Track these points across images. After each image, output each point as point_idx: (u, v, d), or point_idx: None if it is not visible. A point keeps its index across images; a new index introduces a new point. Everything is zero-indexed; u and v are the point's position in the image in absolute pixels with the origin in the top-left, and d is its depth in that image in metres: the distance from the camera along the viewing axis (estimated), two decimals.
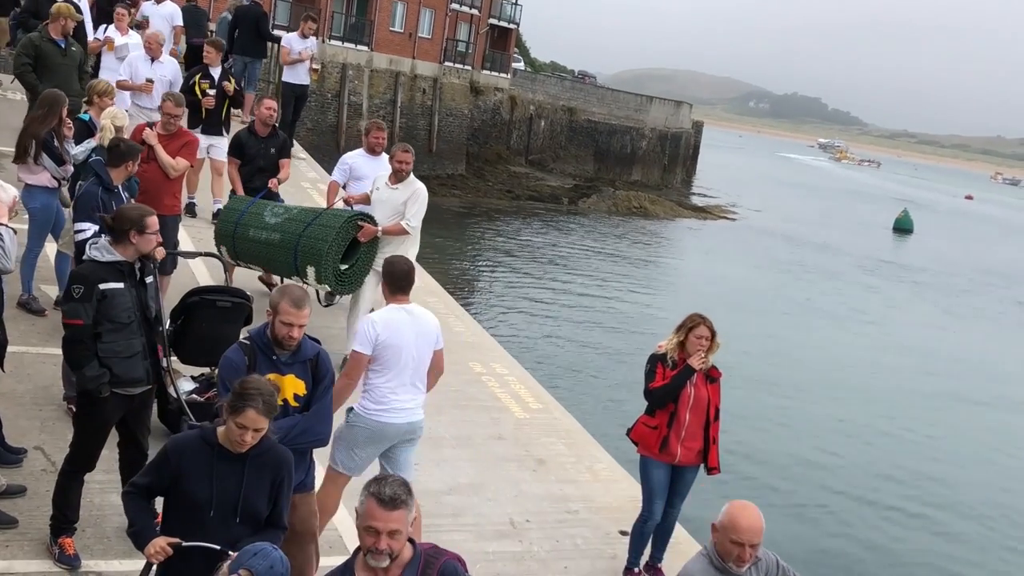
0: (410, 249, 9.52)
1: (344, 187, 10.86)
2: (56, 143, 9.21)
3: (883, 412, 22.26)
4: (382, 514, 3.70)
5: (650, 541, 7.61)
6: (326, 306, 10.64)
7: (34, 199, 9.26)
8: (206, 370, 8.33)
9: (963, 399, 24.57)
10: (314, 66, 17.38)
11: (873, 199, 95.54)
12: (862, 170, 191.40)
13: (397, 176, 9.53)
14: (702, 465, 7.48)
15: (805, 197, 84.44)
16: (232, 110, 13.83)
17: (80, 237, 7.64)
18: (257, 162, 10.98)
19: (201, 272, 11.49)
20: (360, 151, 11.02)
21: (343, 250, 9.46)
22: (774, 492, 16.23)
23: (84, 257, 6.28)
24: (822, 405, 21.92)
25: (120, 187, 7.99)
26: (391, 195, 9.52)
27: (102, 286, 6.06)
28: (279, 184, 11.04)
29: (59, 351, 6.54)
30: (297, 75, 17.32)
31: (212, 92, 13.19)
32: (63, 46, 12.13)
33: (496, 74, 53.85)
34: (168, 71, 13.58)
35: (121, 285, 6.15)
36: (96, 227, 7.45)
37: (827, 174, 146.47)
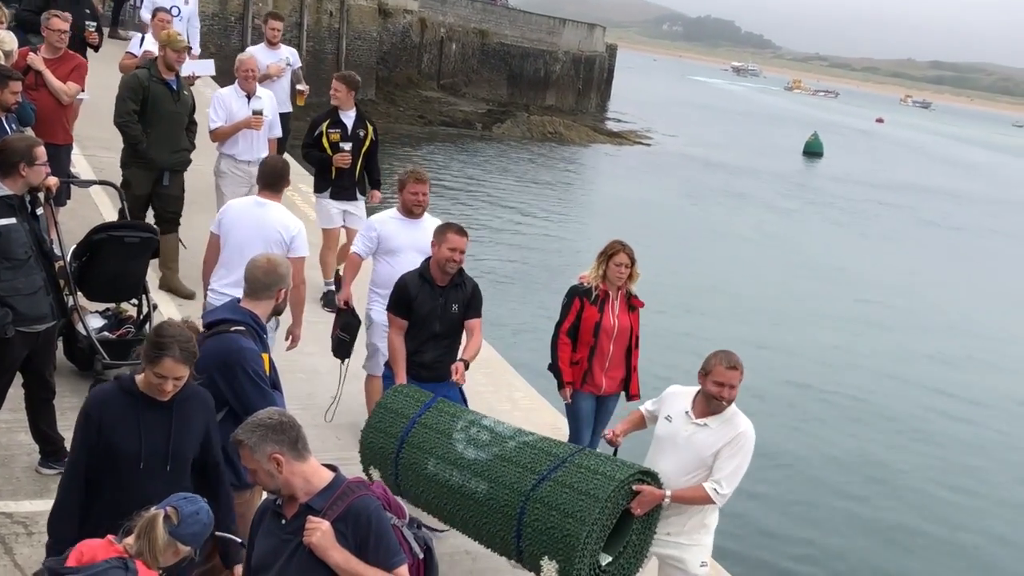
0: (709, 518, 5.88)
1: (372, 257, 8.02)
2: None
3: (795, 332, 22.68)
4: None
5: None
6: None
7: None
8: (111, 305, 8.16)
9: (874, 317, 25.10)
10: (300, 88, 12.68)
11: (784, 122, 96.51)
12: (788, 96, 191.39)
13: (710, 403, 5.69)
14: (623, 393, 7.59)
15: (718, 121, 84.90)
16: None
17: None
18: (432, 326, 6.88)
19: (105, 203, 11.18)
20: (392, 212, 7.97)
21: (609, 531, 5.58)
22: None
23: None
24: (736, 327, 22.21)
25: (4, 117, 7.62)
26: (694, 435, 5.71)
27: None
28: (466, 366, 6.85)
29: None
30: (271, 100, 11.53)
31: (347, 147, 10.00)
32: (175, 88, 9.58)
33: None
34: (267, 107, 10.43)
35: (14, 220, 5.94)
36: None
37: (741, 98, 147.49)
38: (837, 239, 36.38)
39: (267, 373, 5.11)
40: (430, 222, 7.73)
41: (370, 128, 10.28)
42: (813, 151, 66.63)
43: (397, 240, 7.73)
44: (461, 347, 7.02)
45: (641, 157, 51.20)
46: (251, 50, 12.37)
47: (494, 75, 59.88)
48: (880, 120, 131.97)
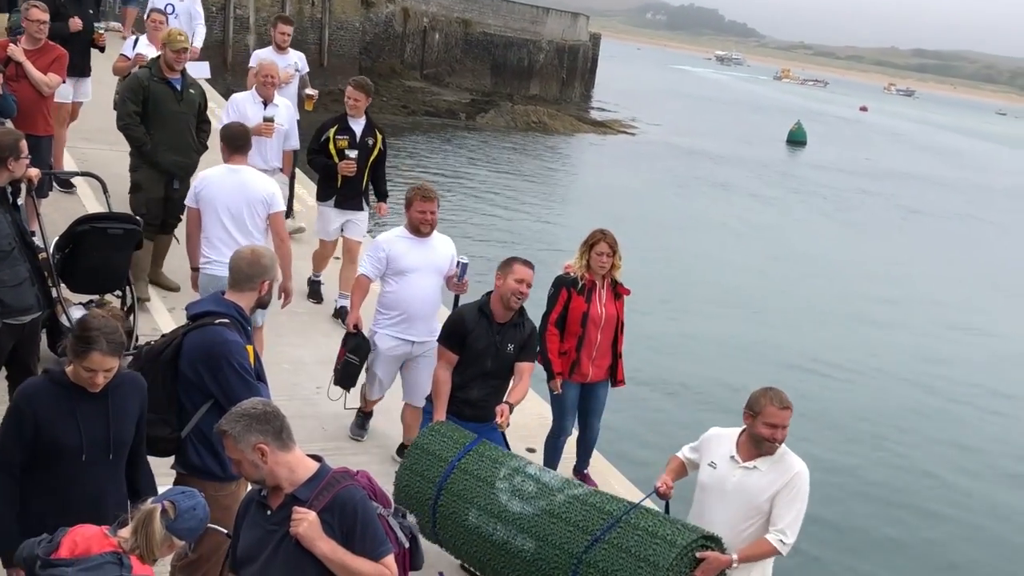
0: (768, 567, 5.53)
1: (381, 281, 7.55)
2: None
3: (777, 320, 22.69)
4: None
5: (574, 452, 7.80)
6: None
7: None
8: (95, 297, 8.14)
9: (857, 305, 25.16)
10: (308, 92, 11.74)
11: (768, 111, 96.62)
12: (776, 86, 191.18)
13: (760, 445, 5.37)
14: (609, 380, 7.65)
15: (702, 110, 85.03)
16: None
17: None
18: (483, 363, 6.55)
19: (87, 194, 11.13)
20: (400, 231, 7.52)
21: None
22: (679, 409, 16.46)
23: None
24: (718, 316, 22.26)
25: None
26: (744, 480, 5.35)
27: None
28: (511, 410, 6.41)
29: None
30: (287, 109, 10.79)
31: (353, 155, 9.53)
32: (179, 88, 9.13)
33: None
34: (284, 117, 10.08)
35: None
36: None
37: (724, 87, 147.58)
38: (820, 227, 36.45)
39: (252, 365, 5.10)
40: (439, 239, 7.54)
41: (379, 137, 9.80)
42: (796, 140, 66.76)
43: (407, 260, 7.36)
44: (508, 390, 6.66)
45: (625, 146, 51.22)
46: (256, 54, 11.71)
47: (477, 65, 59.78)
48: (864, 108, 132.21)
